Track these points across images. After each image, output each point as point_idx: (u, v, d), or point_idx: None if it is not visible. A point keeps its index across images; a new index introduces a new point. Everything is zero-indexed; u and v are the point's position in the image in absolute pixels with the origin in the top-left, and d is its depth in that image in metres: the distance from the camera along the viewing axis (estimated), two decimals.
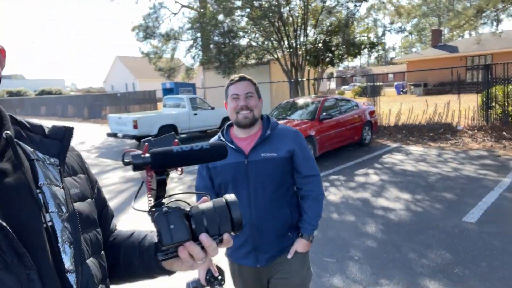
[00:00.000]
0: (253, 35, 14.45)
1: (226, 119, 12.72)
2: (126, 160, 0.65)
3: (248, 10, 13.57)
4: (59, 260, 0.61)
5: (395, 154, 7.92)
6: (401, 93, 29.51)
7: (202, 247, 0.66)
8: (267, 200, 1.78)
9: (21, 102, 32.08)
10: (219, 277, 1.55)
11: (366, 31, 13.44)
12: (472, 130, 9.14)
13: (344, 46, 12.56)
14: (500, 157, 6.94)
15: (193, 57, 16.30)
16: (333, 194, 5.39)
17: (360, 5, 12.28)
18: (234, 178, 1.80)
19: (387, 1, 13.55)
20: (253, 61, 15.42)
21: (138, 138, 10.41)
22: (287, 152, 1.79)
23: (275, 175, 1.78)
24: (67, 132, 0.75)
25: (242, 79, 1.80)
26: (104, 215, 0.85)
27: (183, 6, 18.59)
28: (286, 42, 13.47)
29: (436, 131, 9.50)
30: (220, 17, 14.01)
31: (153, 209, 0.67)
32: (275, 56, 14.07)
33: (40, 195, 0.63)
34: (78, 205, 0.70)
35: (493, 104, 9.21)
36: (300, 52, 13.27)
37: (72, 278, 0.62)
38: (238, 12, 13.90)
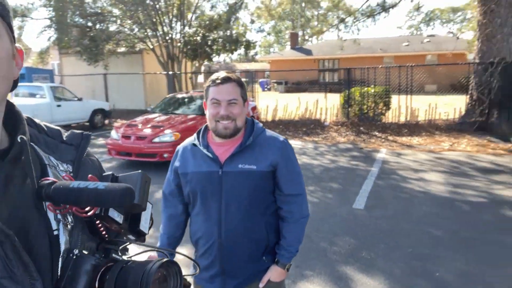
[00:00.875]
0: (124, 21, 13.35)
1: (97, 111, 11.47)
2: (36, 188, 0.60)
3: None
4: (54, 271, 0.60)
5: None
6: (266, 89, 31.82)
7: None
8: (240, 218, 1.54)
9: None
10: None
11: (244, 29, 13.89)
12: (336, 126, 10.43)
13: (224, 42, 12.71)
14: (363, 149, 8.09)
15: (49, 39, 14.17)
16: None
17: (241, 3, 12.60)
18: (204, 189, 1.56)
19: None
20: (123, 49, 14.28)
21: None
22: (270, 165, 1.54)
23: (252, 190, 1.54)
24: (84, 139, 0.75)
25: (226, 80, 1.50)
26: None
27: None
28: (161, 32, 12.87)
29: (308, 126, 10.49)
30: None
31: (73, 249, 0.61)
32: (149, 45, 13.32)
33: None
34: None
35: (352, 103, 10.68)
36: (179, 44, 12.88)
37: None
38: None
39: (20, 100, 10.17)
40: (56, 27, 13.32)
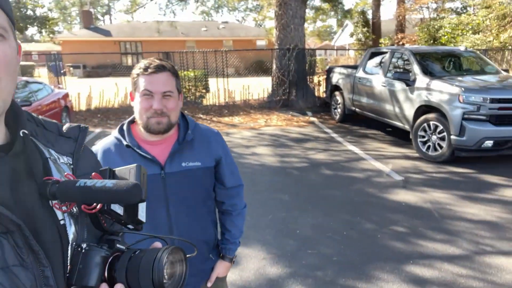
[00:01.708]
0: None
1: None
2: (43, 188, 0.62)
3: None
4: (66, 258, 0.62)
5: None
6: (60, 74, 27.74)
7: None
8: (190, 221, 1.46)
9: None
10: None
11: (34, 3, 11.67)
12: None
13: None
14: None
15: None
16: None
17: None
18: (147, 196, 1.42)
19: None
20: None
21: None
22: (213, 160, 1.48)
23: (199, 189, 1.47)
24: (82, 131, 0.76)
25: (160, 69, 1.32)
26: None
27: None
28: None
29: (130, 113, 9.94)
30: None
31: (81, 243, 0.64)
32: None
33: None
34: None
35: None
36: None
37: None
38: None
39: None
40: None
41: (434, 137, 5.85)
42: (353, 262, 3.16)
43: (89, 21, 31.99)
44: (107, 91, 11.18)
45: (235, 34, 30.45)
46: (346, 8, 16.95)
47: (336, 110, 9.18)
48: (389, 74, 7.11)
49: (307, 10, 11.07)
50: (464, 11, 18.33)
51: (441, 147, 5.75)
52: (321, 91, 11.33)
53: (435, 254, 3.25)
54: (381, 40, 19.73)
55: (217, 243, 1.61)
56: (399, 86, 6.65)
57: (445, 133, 5.62)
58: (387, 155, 6.30)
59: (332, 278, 2.94)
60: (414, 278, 2.92)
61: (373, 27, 20.66)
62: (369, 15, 20.82)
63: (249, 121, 9.41)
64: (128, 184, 0.59)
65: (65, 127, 0.75)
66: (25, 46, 53.84)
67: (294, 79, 10.44)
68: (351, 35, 21.85)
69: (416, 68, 6.48)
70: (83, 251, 0.63)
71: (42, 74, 25.70)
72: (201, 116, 9.89)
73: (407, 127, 6.53)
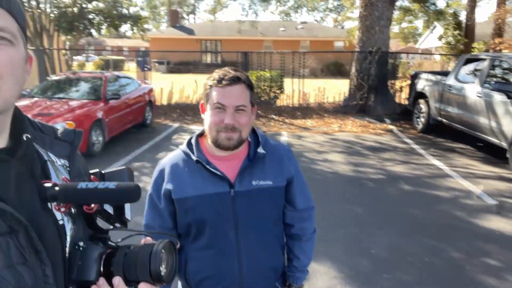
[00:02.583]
0: None
1: None
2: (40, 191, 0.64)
3: None
4: (65, 258, 0.65)
5: (182, 134, 8.07)
6: (145, 69, 29.87)
7: None
8: (260, 246, 1.34)
9: None
10: None
11: (129, 2, 12.63)
12: None
13: (106, 15, 11.35)
14: (266, 133, 8.33)
15: None
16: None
17: None
18: (214, 217, 1.29)
19: None
20: None
21: None
22: (286, 179, 1.36)
23: (270, 211, 1.36)
24: (77, 135, 0.79)
25: (234, 81, 1.22)
26: None
27: None
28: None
29: None
30: None
31: (78, 242, 0.68)
32: None
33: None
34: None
35: None
36: (51, 15, 11.03)
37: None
38: None
39: None
40: None
41: None
42: None
43: (175, 20, 33.92)
44: (187, 88, 11.66)
45: (313, 34, 30.02)
46: (438, 8, 15.67)
47: (418, 119, 8.51)
48: (486, 84, 6.36)
49: (394, 11, 10.40)
50: None
51: None
52: (402, 97, 10.61)
53: None
54: (475, 45, 17.96)
55: (284, 270, 1.49)
56: (498, 97, 5.91)
57: None
58: (478, 174, 5.63)
59: None
60: None
61: (466, 30, 18.87)
62: (462, 17, 19.08)
63: (322, 125, 9.14)
64: (130, 185, 0.63)
65: (60, 132, 0.78)
66: (118, 42, 58.92)
67: (374, 84, 9.91)
68: (440, 37, 20.23)
69: None
70: (81, 249, 0.67)
71: (131, 68, 27.91)
72: (274, 116, 9.84)
73: (504, 144, 5.78)
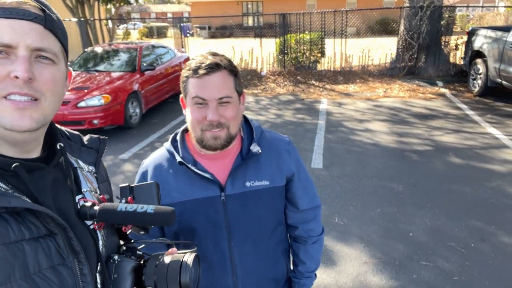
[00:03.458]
0: None
1: None
2: (78, 208, 0.69)
3: None
4: (101, 260, 0.71)
5: None
6: (188, 35, 29.81)
7: None
8: (258, 256, 1.19)
9: None
10: None
11: None
12: (273, 76, 10.13)
13: None
14: (305, 100, 7.98)
15: None
16: None
17: None
18: (204, 225, 1.14)
19: None
20: None
21: None
22: (285, 177, 1.19)
23: (268, 215, 1.19)
24: (102, 143, 0.84)
25: (213, 69, 1.03)
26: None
27: None
28: None
29: (244, 78, 10.04)
30: None
31: (112, 255, 0.73)
32: None
33: (82, 200, 0.71)
34: None
35: (287, 51, 10.37)
36: None
37: (98, 276, 0.70)
38: None
39: None
40: None
41: None
42: (481, 286, 2.54)
43: None
44: (226, 54, 11.42)
45: None
46: None
47: (475, 81, 7.69)
48: None
49: None
50: None
51: None
52: (457, 57, 9.64)
53: None
54: None
55: (289, 275, 1.33)
56: None
57: None
58: None
59: None
60: None
61: None
62: None
63: (366, 90, 8.59)
64: (167, 210, 0.68)
65: (86, 139, 0.83)
66: (162, 8, 59.11)
67: (425, 43, 9.03)
68: None
69: None
70: (116, 262, 0.72)
71: (174, 34, 28.02)
72: (314, 82, 9.39)
73: None
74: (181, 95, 1.13)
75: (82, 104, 5.60)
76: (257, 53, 10.97)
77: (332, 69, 10.19)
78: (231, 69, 1.07)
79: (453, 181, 4.04)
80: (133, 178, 1.31)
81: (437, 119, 6.27)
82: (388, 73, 9.55)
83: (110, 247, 0.76)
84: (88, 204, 0.69)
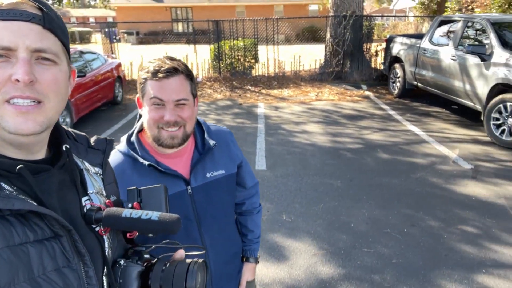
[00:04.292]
0: None
1: None
2: (84, 211, 0.69)
3: None
4: (107, 262, 0.71)
5: None
6: (114, 41, 28.46)
7: None
8: (224, 238, 1.33)
9: None
10: None
11: None
12: (209, 82, 10.15)
13: None
14: (242, 105, 8.14)
15: None
16: None
17: None
18: None
19: None
20: None
21: None
22: (236, 165, 1.35)
23: (227, 199, 1.34)
24: (109, 144, 0.85)
25: (172, 73, 1.10)
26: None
27: None
28: None
29: None
30: None
31: (118, 259, 0.74)
32: None
33: (88, 201, 0.72)
34: None
35: (222, 57, 10.47)
36: None
37: (105, 279, 0.70)
38: None
39: None
40: None
41: (510, 120, 5.16)
42: (416, 266, 2.84)
43: None
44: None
45: None
46: None
47: (394, 84, 8.48)
48: (460, 47, 6.32)
49: None
50: None
51: None
52: (378, 62, 10.53)
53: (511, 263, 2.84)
54: (447, 4, 17.88)
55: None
56: (472, 60, 5.88)
57: None
58: (453, 138, 5.69)
59: (391, 284, 2.66)
60: None
61: None
62: None
63: (299, 94, 9.00)
64: (172, 218, 0.67)
65: (93, 140, 0.83)
66: (83, 12, 55.79)
67: (349, 49, 9.75)
68: None
69: (494, 41, 5.66)
70: (122, 267, 0.73)
71: (98, 40, 26.59)
72: (250, 87, 9.61)
73: (478, 107, 5.83)
74: (138, 95, 1.19)
75: None
76: (192, 59, 10.90)
77: (266, 75, 10.51)
78: (188, 73, 1.15)
79: (383, 175, 4.44)
80: None
81: (364, 119, 6.80)
82: (318, 78, 10.11)
83: (116, 249, 0.77)
84: (94, 208, 0.69)
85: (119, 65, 8.55)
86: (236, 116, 7.30)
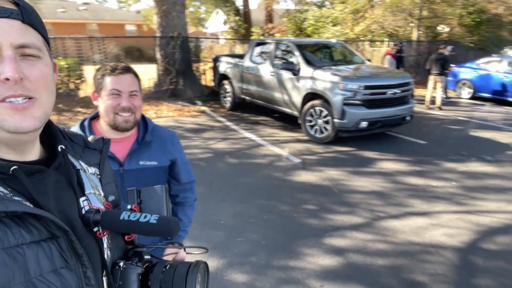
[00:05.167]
0: None
1: None
2: (82, 214, 0.69)
3: None
4: (105, 263, 0.70)
5: None
6: None
7: None
8: None
9: None
10: None
11: None
12: None
13: None
14: None
15: None
16: None
17: None
18: None
19: None
20: None
21: None
22: (169, 160, 1.62)
23: (155, 184, 1.59)
24: (106, 144, 0.84)
25: (126, 70, 1.44)
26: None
27: None
28: None
29: None
30: None
31: (118, 261, 0.74)
32: None
33: (86, 202, 0.70)
34: None
35: None
36: None
37: (105, 280, 0.70)
38: None
39: None
40: None
41: (320, 121, 6.56)
42: (280, 243, 3.43)
43: None
44: None
45: (99, 17, 27.84)
46: None
47: (225, 99, 9.41)
48: (276, 64, 7.61)
49: None
50: (325, 4, 20.43)
51: (326, 129, 6.50)
52: (207, 79, 11.39)
53: (343, 225, 3.76)
54: (253, 29, 20.67)
55: None
56: (286, 75, 7.19)
57: (329, 117, 6.37)
58: (281, 139, 6.82)
59: (266, 261, 3.15)
60: (333, 249, 3.34)
61: (244, 16, 21.46)
62: (239, 4, 21.53)
63: None
64: (170, 220, 0.67)
65: (89, 140, 0.82)
66: None
67: (181, 68, 10.25)
68: (225, 23, 22.30)
69: (300, 59, 7.09)
70: (121, 269, 0.71)
71: None
72: (80, 109, 8.94)
73: (295, 113, 7.14)
74: (93, 90, 1.45)
75: None
76: None
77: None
78: (136, 74, 1.49)
79: (236, 176, 5.01)
80: None
81: (207, 132, 7.36)
82: (154, 96, 10.22)
83: (116, 250, 0.76)
84: (92, 210, 0.68)
85: None
86: None
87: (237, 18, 21.77)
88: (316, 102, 6.59)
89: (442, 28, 17.62)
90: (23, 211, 0.57)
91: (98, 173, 0.80)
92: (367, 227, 3.71)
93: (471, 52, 16.02)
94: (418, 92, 11.65)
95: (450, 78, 11.16)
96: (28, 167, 0.63)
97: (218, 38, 22.89)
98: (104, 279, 0.69)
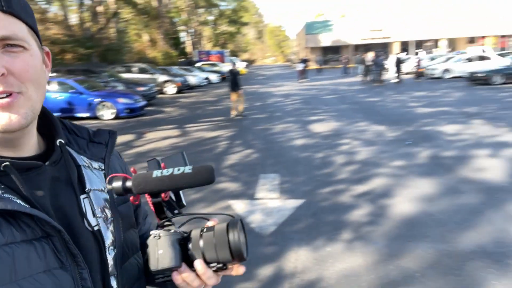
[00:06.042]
0: None
1: None
2: (109, 186, 0.65)
3: None
4: (105, 262, 0.66)
5: None
6: None
7: None
8: None
9: None
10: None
11: None
12: None
13: None
14: None
15: None
16: None
17: None
18: None
19: None
20: None
21: None
22: None
23: None
24: (112, 137, 0.79)
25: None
26: (136, 214, 0.84)
27: None
28: None
29: None
30: None
31: (151, 233, 0.68)
32: None
33: (86, 200, 0.67)
34: (121, 208, 0.74)
35: None
36: None
37: (113, 280, 0.67)
38: None
39: None
40: None
41: None
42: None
43: None
44: None
45: None
46: None
47: None
48: None
49: None
50: None
51: None
52: None
53: None
54: None
55: None
56: None
57: None
58: None
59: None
60: None
61: None
62: None
63: None
64: (206, 167, 0.64)
65: (95, 133, 0.78)
66: None
67: None
68: None
69: None
70: (160, 238, 0.66)
71: None
72: None
73: None
74: None
75: None
76: None
77: None
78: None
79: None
80: None
81: None
82: None
83: (126, 243, 0.72)
84: (120, 178, 0.64)
85: None
86: None
87: None
88: None
89: None
90: (10, 209, 0.54)
91: (103, 168, 0.74)
92: None
93: None
94: None
95: None
96: (22, 163, 0.60)
97: None
98: (113, 277, 0.66)
